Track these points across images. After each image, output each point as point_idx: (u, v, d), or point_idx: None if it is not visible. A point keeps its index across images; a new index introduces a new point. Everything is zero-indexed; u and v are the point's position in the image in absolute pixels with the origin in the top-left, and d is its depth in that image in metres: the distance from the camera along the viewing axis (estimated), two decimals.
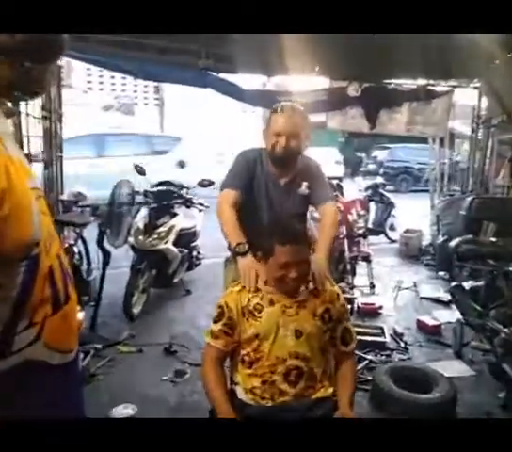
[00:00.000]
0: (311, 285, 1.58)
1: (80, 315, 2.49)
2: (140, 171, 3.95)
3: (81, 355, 2.33)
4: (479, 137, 5.68)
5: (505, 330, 2.45)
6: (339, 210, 4.27)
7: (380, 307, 3.80)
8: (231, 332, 1.54)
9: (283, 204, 1.97)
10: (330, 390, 1.57)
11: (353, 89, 5.18)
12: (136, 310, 3.43)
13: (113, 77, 12.11)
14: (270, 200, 1.97)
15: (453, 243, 3.19)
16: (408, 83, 5.30)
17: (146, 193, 3.82)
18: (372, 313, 3.71)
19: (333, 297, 1.60)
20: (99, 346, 2.76)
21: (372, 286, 4.05)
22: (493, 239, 3.11)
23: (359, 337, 2.96)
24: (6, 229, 0.72)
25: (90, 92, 12.12)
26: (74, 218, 2.94)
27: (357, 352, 2.80)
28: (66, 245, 2.43)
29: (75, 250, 3.16)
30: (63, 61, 4.91)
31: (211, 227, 4.98)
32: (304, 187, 1.97)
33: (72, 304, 0.91)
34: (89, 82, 12.12)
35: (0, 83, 0.82)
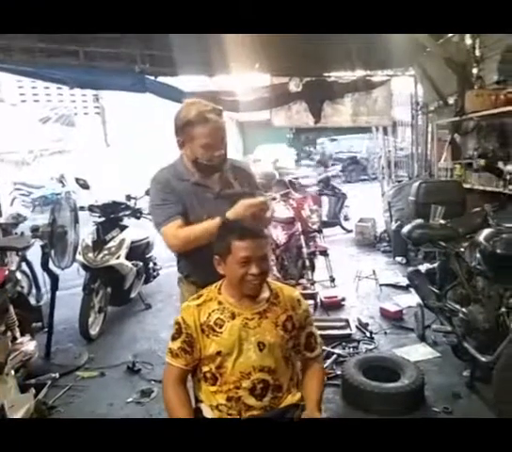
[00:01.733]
0: (268, 294, 1.53)
1: (31, 345, 2.36)
2: (83, 185, 3.78)
3: (33, 390, 2.17)
4: (419, 124, 5.87)
5: (463, 309, 2.50)
6: (292, 207, 4.30)
7: (343, 299, 3.83)
8: (190, 350, 1.46)
9: (221, 210, 1.73)
10: (298, 395, 1.54)
11: (294, 85, 5.22)
12: (93, 331, 3.27)
13: (47, 88, 11.60)
14: (211, 209, 1.76)
15: (405, 229, 3.24)
16: (347, 75, 5.39)
17: (91, 207, 3.66)
18: (335, 305, 3.73)
19: (294, 303, 1.55)
20: (56, 375, 2.60)
21: (332, 280, 4.07)
22: (442, 221, 3.18)
23: (325, 332, 3.00)
24: None
25: (24, 105, 11.55)
26: (13, 242, 2.75)
27: (324, 347, 2.80)
28: (6, 272, 2.25)
29: (19, 276, 2.95)
30: None
31: None
32: (237, 186, 1.84)
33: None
34: (22, 94, 11.54)
35: None
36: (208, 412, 1.48)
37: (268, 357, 1.46)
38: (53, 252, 2.79)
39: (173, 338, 1.49)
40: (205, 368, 1.48)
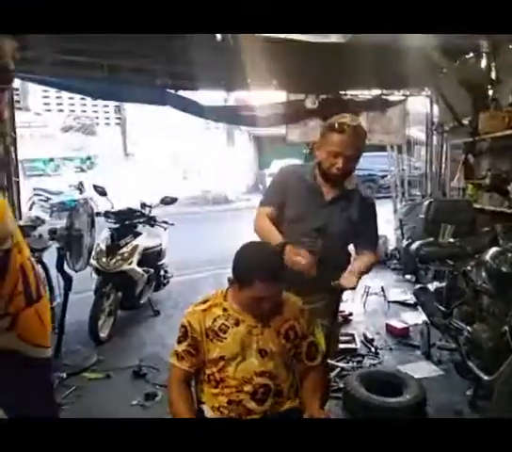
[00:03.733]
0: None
1: None
2: (101, 192, 3.90)
3: None
4: (434, 143, 5.92)
5: (468, 328, 2.51)
6: None
7: (350, 314, 3.83)
8: (195, 353, 1.51)
9: (325, 222, 1.86)
10: (297, 401, 1.57)
11: (310, 102, 5.32)
12: (103, 334, 3.34)
13: (72, 98, 11.97)
14: (311, 214, 1.87)
15: (414, 246, 3.26)
16: (363, 94, 5.48)
17: (107, 214, 3.77)
18: (342, 320, 3.74)
19: (297, 313, 1.59)
20: (63, 374, 2.66)
21: None
22: (451, 240, 3.20)
23: None
24: None
25: (49, 114, 11.91)
26: (32, 244, 2.85)
27: (328, 361, 2.81)
28: None
29: None
30: (17, 84, 4.84)
31: (180, 244, 5.02)
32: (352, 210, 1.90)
33: (43, 302, 0.97)
34: (47, 104, 11.91)
35: None
36: (209, 414, 1.51)
37: (270, 363, 1.50)
38: (68, 255, 2.89)
39: (179, 341, 1.54)
40: (208, 371, 1.52)
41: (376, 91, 5.45)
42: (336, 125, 1.79)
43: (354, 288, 1.79)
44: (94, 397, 2.61)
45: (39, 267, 0.87)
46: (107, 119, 13.35)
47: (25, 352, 0.90)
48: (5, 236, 0.86)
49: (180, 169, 13.70)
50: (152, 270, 3.94)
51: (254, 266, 1.46)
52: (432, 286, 3.28)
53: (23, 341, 0.89)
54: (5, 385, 0.83)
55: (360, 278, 1.80)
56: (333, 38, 3.95)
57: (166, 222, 4.11)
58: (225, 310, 1.53)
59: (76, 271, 3.01)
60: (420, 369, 2.88)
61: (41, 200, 10.59)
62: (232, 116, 5.39)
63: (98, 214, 3.52)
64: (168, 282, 4.38)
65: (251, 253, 1.53)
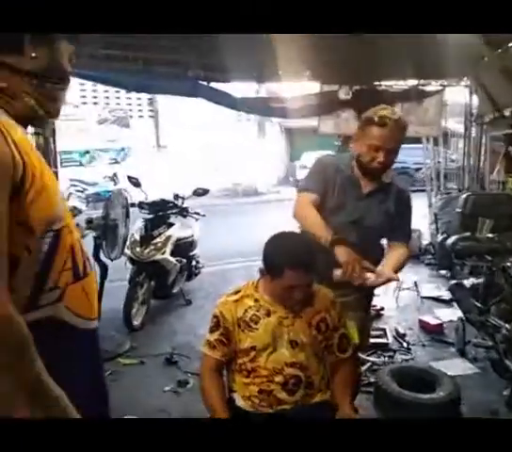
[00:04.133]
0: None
1: None
2: (135, 183, 3.98)
3: None
4: (472, 135, 5.71)
5: (506, 325, 2.43)
6: None
7: (382, 308, 3.78)
8: (227, 342, 1.53)
9: (362, 214, 1.85)
10: (328, 394, 1.57)
11: (344, 93, 5.22)
12: (136, 321, 3.43)
13: (107, 91, 12.21)
14: (349, 206, 1.85)
15: (450, 241, 3.19)
16: (398, 84, 5.33)
17: (141, 204, 3.84)
18: (374, 314, 3.69)
19: (329, 304, 1.59)
20: None
21: None
22: (490, 235, 3.10)
23: None
24: (40, 200, 0.87)
25: (85, 107, 12.20)
26: None
27: (360, 355, 2.79)
28: None
29: None
30: None
31: (211, 236, 5.07)
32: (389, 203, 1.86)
33: (90, 279, 1.05)
34: (83, 96, 12.19)
35: (26, 105, 0.91)
36: (240, 402, 1.54)
37: (301, 354, 1.50)
38: (104, 244, 2.97)
39: (211, 330, 1.56)
40: (240, 361, 1.54)
41: (413, 82, 5.29)
42: (376, 118, 1.75)
43: (388, 282, 1.76)
44: (128, 382, 2.69)
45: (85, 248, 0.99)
46: (141, 111, 13.55)
47: (72, 322, 0.97)
48: (57, 218, 0.93)
49: (211, 161, 13.78)
50: (184, 260, 4.01)
51: (284, 255, 1.47)
52: (468, 282, 3.19)
53: (70, 312, 0.96)
54: (55, 354, 0.88)
55: (396, 272, 1.76)
56: None
57: (198, 213, 4.15)
58: (256, 300, 1.54)
59: (112, 260, 3.09)
60: (454, 366, 2.82)
61: (78, 190, 10.88)
62: (263, 107, 5.36)
63: (132, 204, 3.59)
64: (199, 272, 4.44)
65: (281, 242, 1.53)
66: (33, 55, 0.87)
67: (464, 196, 3.55)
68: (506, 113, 4.58)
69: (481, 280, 3.01)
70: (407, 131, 1.83)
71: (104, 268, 3.07)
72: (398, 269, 1.81)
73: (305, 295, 1.50)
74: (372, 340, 3.14)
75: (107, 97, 12.66)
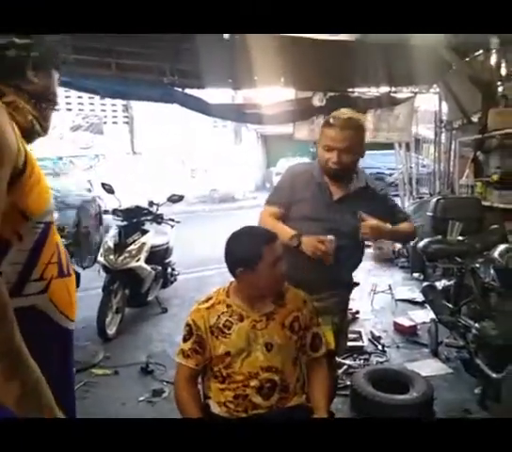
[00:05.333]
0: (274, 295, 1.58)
1: None
2: (109, 190, 3.93)
3: None
4: (443, 141, 5.87)
5: (476, 325, 2.49)
6: None
7: (357, 312, 3.82)
8: (201, 350, 1.52)
9: (333, 221, 1.82)
10: (304, 397, 1.57)
11: (318, 99, 5.30)
12: (110, 331, 3.36)
13: (80, 97, 12.03)
14: (320, 213, 1.84)
15: (421, 244, 3.24)
16: (371, 91, 5.45)
17: (115, 211, 3.79)
18: (350, 318, 3.73)
19: (301, 304, 1.60)
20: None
21: None
22: (460, 238, 3.17)
23: None
24: (36, 191, 0.95)
25: (58, 114, 11.97)
26: None
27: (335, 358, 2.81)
28: None
29: None
30: None
31: (187, 242, 5.03)
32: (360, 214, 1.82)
33: (72, 279, 1.11)
34: None
35: (27, 120, 1.03)
36: (216, 408, 1.52)
37: (276, 357, 1.50)
38: (76, 252, 2.91)
39: (184, 339, 1.55)
40: (215, 367, 1.53)
41: (385, 88, 5.41)
42: (328, 120, 1.80)
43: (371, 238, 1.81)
44: (102, 393, 2.63)
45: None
46: (115, 117, 13.40)
47: (53, 316, 1.01)
48: (48, 211, 1.01)
49: (187, 167, 13.73)
50: (159, 268, 3.97)
51: (255, 237, 1.51)
52: (440, 284, 3.27)
53: (53, 305, 1.01)
54: (30, 345, 0.87)
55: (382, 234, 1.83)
56: (341, 35, 3.94)
57: (172, 220, 4.12)
58: (228, 306, 1.54)
59: (84, 268, 3.03)
60: (427, 367, 2.87)
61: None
62: (238, 114, 5.38)
63: (106, 212, 3.54)
64: (175, 279, 4.40)
65: (243, 232, 1.57)
66: (33, 79, 1.05)
67: (435, 200, 3.62)
68: (474, 119, 4.72)
69: (452, 281, 3.09)
70: (362, 130, 1.83)
71: (76, 277, 3.00)
72: (388, 234, 1.89)
73: (278, 290, 1.53)
74: (348, 343, 3.18)
75: (81, 103, 12.49)
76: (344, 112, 1.82)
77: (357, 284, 2.03)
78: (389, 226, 1.83)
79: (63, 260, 1.06)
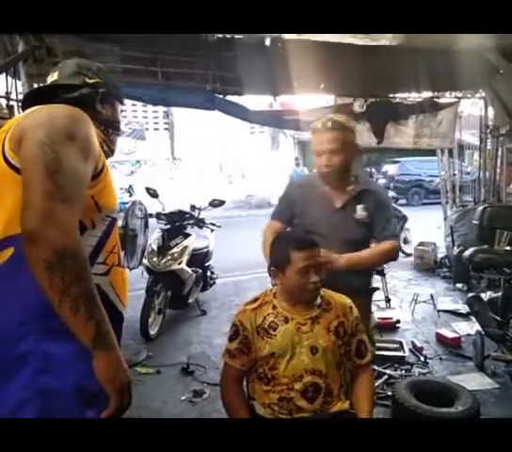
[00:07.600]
0: (320, 300, 1.59)
1: None
2: (153, 194, 4.04)
3: None
4: (488, 147, 5.69)
5: None
6: None
7: (398, 321, 3.75)
8: (247, 351, 1.54)
9: (338, 228, 1.85)
10: (347, 403, 1.57)
11: (358, 105, 5.27)
12: (152, 331, 3.45)
13: (123, 104, 12.46)
14: (324, 223, 1.85)
15: (467, 253, 3.17)
16: (413, 96, 5.36)
17: (158, 215, 3.90)
18: (389, 327, 3.66)
19: (346, 310, 1.60)
20: None
21: (387, 300, 4.00)
22: (508, 248, 3.08)
23: (377, 352, 2.96)
24: (108, 189, 1.10)
25: None
26: None
27: (376, 367, 2.77)
28: None
29: None
30: None
31: (223, 247, 5.09)
32: (360, 211, 1.85)
33: (126, 271, 1.24)
34: None
35: (99, 145, 1.14)
36: (260, 410, 1.54)
37: (321, 361, 1.51)
38: (123, 253, 3.01)
39: (231, 339, 1.58)
40: (260, 369, 1.55)
41: (427, 94, 5.32)
42: (312, 127, 1.86)
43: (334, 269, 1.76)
44: (145, 391, 2.70)
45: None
46: (156, 124, 13.78)
47: (112, 298, 1.12)
48: (115, 209, 1.15)
49: (225, 173, 13.89)
50: (200, 271, 4.03)
51: (287, 241, 1.56)
52: (486, 295, 3.16)
53: (113, 289, 1.12)
54: None
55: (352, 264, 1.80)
56: (383, 40, 3.91)
57: (214, 224, 4.20)
58: (274, 307, 1.57)
59: (130, 269, 3.13)
60: (472, 381, 2.78)
61: None
62: (278, 120, 5.42)
63: (150, 215, 3.64)
64: (214, 282, 4.46)
65: (283, 235, 1.69)
66: (101, 110, 1.24)
67: (481, 208, 3.54)
68: None
69: (499, 293, 2.98)
70: (349, 131, 1.84)
71: None
72: (358, 262, 1.83)
73: (320, 279, 1.52)
74: (388, 353, 3.13)
75: (124, 110, 12.94)
76: (328, 117, 1.87)
77: (376, 289, 2.03)
78: (362, 253, 1.84)
79: (120, 253, 1.19)
